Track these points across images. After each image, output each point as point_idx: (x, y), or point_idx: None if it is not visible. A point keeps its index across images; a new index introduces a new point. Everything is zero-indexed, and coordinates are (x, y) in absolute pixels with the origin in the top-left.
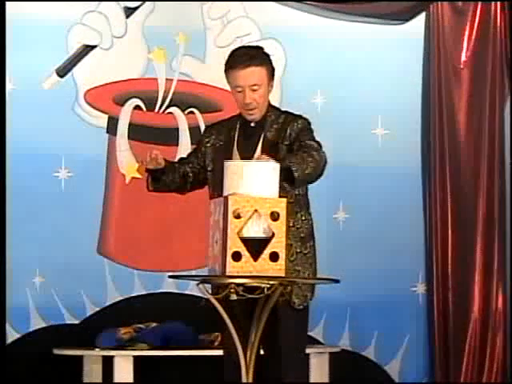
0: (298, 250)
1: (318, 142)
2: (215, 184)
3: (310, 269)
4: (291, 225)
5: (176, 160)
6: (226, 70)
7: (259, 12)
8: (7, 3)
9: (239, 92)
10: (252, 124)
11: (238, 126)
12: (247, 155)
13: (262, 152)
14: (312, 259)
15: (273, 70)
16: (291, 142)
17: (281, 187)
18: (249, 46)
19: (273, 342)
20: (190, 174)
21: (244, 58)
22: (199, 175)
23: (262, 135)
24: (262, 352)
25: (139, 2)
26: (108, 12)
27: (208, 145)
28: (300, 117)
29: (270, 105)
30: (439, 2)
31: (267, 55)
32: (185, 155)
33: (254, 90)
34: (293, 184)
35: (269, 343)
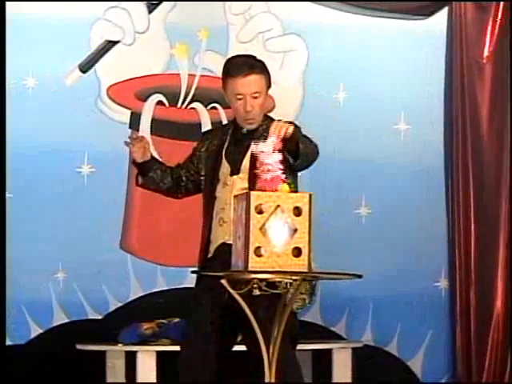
0: None
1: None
2: (205, 189)
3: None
4: None
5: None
6: (224, 78)
7: (281, 7)
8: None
9: (239, 100)
10: (244, 131)
11: (229, 132)
12: (235, 163)
13: (251, 161)
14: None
15: (270, 78)
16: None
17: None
18: (244, 55)
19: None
20: (184, 178)
21: (244, 67)
22: (193, 181)
23: (252, 144)
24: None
25: None
26: (130, 8)
27: (202, 150)
28: (290, 123)
29: (264, 114)
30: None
31: (264, 64)
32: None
33: (255, 98)
34: (296, 159)
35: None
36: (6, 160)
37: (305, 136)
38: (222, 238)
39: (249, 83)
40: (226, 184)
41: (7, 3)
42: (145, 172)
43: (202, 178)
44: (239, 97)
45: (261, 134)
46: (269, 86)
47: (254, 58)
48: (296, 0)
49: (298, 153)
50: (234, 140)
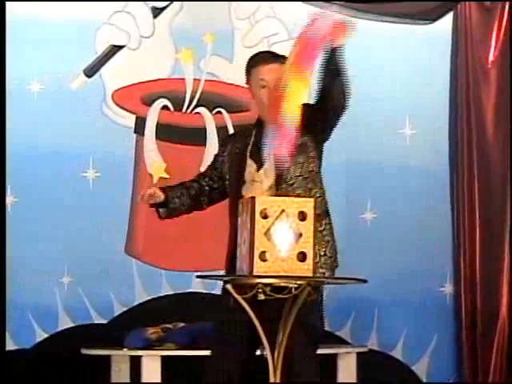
0: None
1: None
2: (231, 191)
3: (327, 246)
4: None
5: (195, 177)
6: (248, 72)
7: (287, 12)
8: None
9: (263, 88)
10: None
11: (253, 133)
12: (260, 158)
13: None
14: (329, 237)
15: None
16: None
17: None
18: (267, 50)
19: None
20: (206, 188)
21: (268, 56)
22: (216, 188)
23: None
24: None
25: (167, 2)
26: (136, 12)
27: (225, 154)
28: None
29: None
30: (467, 2)
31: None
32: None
33: None
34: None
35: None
36: (9, 163)
37: None
38: None
39: (272, 70)
40: (254, 181)
41: (11, 5)
42: (164, 207)
43: (227, 182)
44: (263, 83)
45: None
46: None
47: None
48: (300, 0)
49: (339, 72)
50: (259, 140)
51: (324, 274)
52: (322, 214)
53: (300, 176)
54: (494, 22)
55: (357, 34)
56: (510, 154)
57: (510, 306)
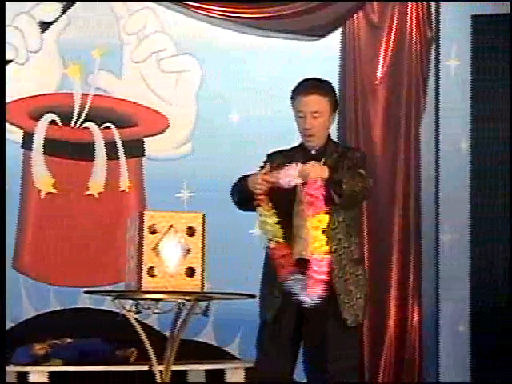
0: (351, 271)
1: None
2: (278, 209)
3: (363, 290)
4: (346, 246)
5: None
6: (291, 97)
7: (175, 27)
8: None
9: (301, 118)
10: (313, 151)
11: (299, 154)
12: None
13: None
14: (364, 281)
15: (336, 103)
16: (349, 168)
17: (330, 200)
18: (318, 78)
19: (323, 360)
20: None
21: (309, 86)
22: None
23: (323, 161)
24: None
25: (55, 17)
26: (23, 27)
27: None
28: (359, 149)
29: (329, 137)
30: (355, 18)
31: (333, 89)
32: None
33: (315, 118)
34: (340, 198)
35: (319, 362)
36: None
37: (360, 172)
38: (299, 254)
39: (309, 102)
40: (301, 201)
41: None
42: None
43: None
44: (300, 114)
45: (330, 153)
46: (334, 108)
47: (325, 81)
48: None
49: (342, 192)
50: (305, 161)
51: (358, 316)
52: (360, 259)
53: (343, 222)
54: (382, 38)
55: (244, 49)
56: (398, 169)
57: (397, 322)
